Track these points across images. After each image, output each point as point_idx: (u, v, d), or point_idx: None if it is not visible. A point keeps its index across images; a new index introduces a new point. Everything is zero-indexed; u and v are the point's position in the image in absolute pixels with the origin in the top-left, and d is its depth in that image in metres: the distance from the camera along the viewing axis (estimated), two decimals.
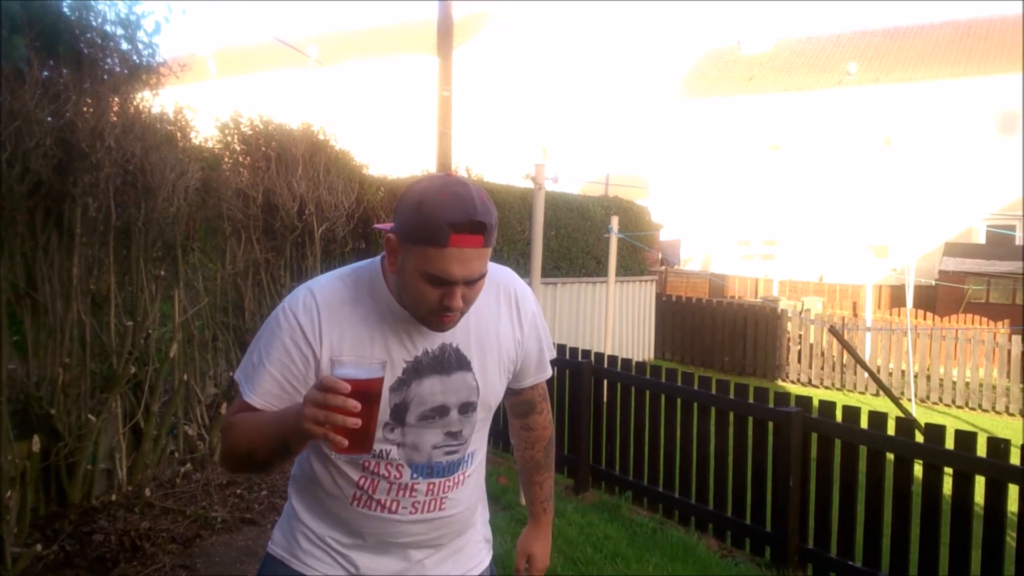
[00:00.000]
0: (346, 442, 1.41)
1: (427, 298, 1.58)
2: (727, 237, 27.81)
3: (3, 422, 3.96)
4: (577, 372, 6.44)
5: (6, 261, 4.13)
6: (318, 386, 1.42)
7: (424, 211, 1.54)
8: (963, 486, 4.31)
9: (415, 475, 1.77)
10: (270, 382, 1.68)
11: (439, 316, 1.61)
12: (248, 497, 5.14)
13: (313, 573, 1.82)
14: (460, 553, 1.94)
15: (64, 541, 4.21)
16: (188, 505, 4.84)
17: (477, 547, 2.00)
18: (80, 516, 4.46)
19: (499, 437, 7.09)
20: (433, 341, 1.74)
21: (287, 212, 6.31)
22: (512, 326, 1.87)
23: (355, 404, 1.39)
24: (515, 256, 10.33)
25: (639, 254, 14.09)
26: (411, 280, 1.59)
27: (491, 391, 1.84)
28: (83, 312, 4.53)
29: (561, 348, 6.80)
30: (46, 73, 4.27)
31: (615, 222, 8.21)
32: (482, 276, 1.61)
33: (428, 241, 1.53)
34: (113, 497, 4.72)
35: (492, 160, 16.17)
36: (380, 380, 1.50)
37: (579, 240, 12.25)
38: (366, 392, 1.45)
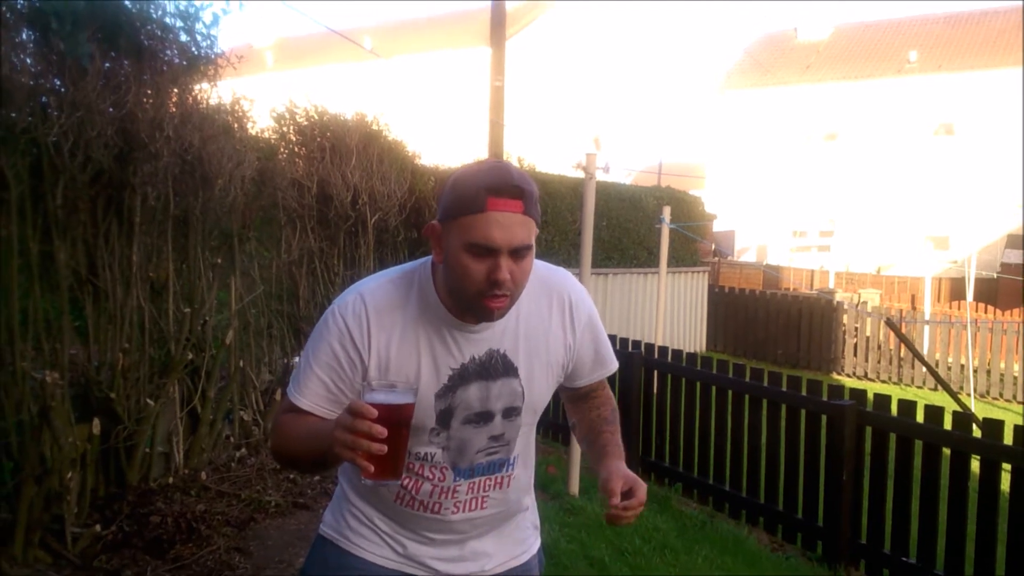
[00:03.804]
0: (372, 468, 1.41)
1: (473, 275, 1.56)
2: (782, 228, 27.47)
3: (64, 405, 4.06)
4: (627, 363, 6.42)
5: (68, 248, 4.23)
6: (347, 410, 1.42)
7: (461, 183, 1.56)
8: (1021, 482, 4.22)
9: (457, 478, 1.78)
10: (317, 384, 1.69)
11: (488, 298, 1.58)
12: (301, 482, 5.21)
13: (362, 553, 1.84)
14: (506, 532, 1.93)
15: (122, 522, 4.31)
16: (243, 489, 4.93)
17: (525, 532, 2.00)
18: (138, 498, 4.55)
19: (549, 427, 7.11)
20: (480, 347, 1.72)
21: (341, 202, 6.37)
22: (564, 331, 1.83)
23: (381, 430, 1.38)
24: (566, 247, 10.31)
25: (692, 245, 13.97)
26: (456, 258, 1.57)
27: (537, 396, 1.82)
28: (142, 299, 4.62)
29: (611, 339, 6.76)
30: (108, 65, 4.36)
31: (667, 212, 8.15)
32: (528, 248, 1.58)
33: (466, 210, 1.54)
34: (170, 480, 4.81)
35: (544, 150, 16.16)
36: (411, 406, 1.50)
37: (631, 231, 12.18)
38: (395, 418, 1.45)
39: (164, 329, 4.80)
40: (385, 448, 1.40)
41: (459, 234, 1.55)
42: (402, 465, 1.52)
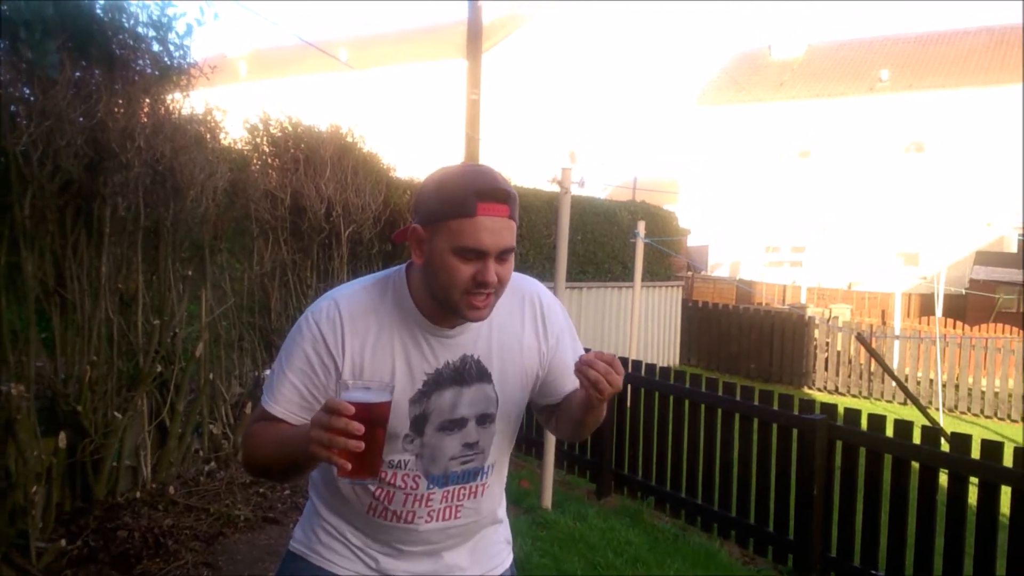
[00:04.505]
0: (349, 466, 1.40)
1: (460, 278, 1.57)
2: (755, 243, 27.66)
3: (30, 418, 4.01)
4: None
5: (36, 259, 4.18)
6: (323, 407, 1.41)
7: (448, 187, 1.57)
8: (989, 496, 4.26)
9: (431, 485, 1.77)
10: (290, 391, 1.68)
11: (473, 297, 1.59)
12: (271, 496, 5.17)
13: (333, 568, 1.82)
14: (479, 546, 1.93)
15: (88, 537, 4.25)
16: (211, 503, 4.88)
17: (498, 547, 1.99)
18: (105, 512, 4.50)
19: (522, 441, 7.09)
20: (454, 353, 1.73)
21: (314, 214, 6.34)
22: (537, 339, 1.84)
23: (358, 427, 1.38)
24: (541, 260, 10.32)
25: (666, 259, 14.04)
26: (442, 261, 1.58)
27: (511, 403, 1.82)
28: (111, 310, 4.58)
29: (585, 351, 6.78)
30: (78, 74, 4.32)
31: (642, 227, 8.18)
32: (512, 250, 1.61)
33: (456, 213, 1.54)
34: (137, 494, 4.76)
35: (519, 164, 16.19)
36: (387, 404, 1.50)
37: (605, 245, 12.22)
38: (371, 415, 1.44)
39: (133, 341, 4.75)
40: (362, 445, 1.39)
41: (447, 237, 1.56)
42: (379, 463, 1.52)
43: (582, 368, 1.59)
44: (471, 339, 1.74)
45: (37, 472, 4.00)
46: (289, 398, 1.68)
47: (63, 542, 4.08)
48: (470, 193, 1.54)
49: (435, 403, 1.72)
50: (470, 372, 1.74)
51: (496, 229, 1.56)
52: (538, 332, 1.84)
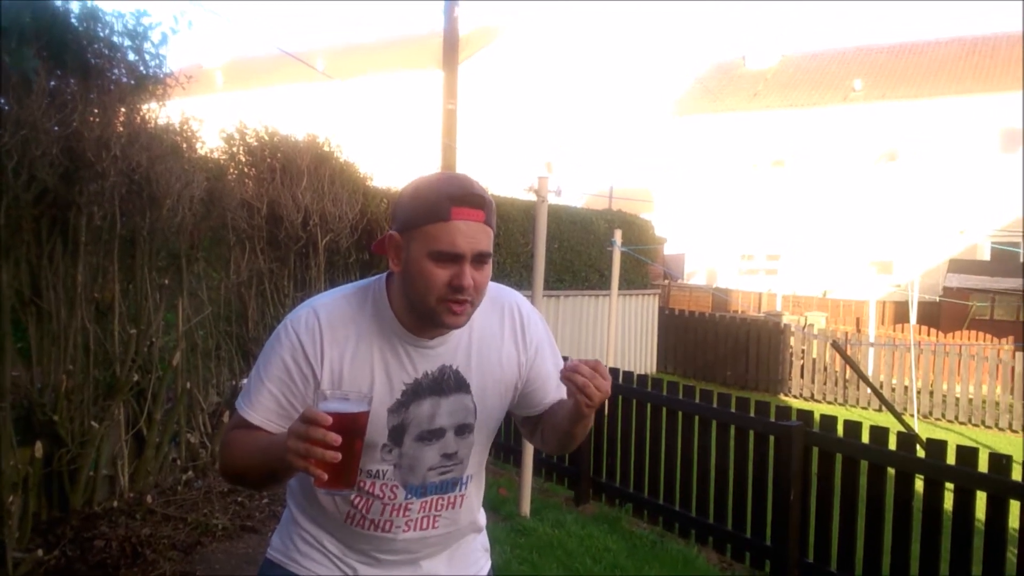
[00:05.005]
0: (326, 476, 1.40)
1: (436, 282, 1.57)
2: (731, 251, 27.80)
3: (6, 428, 3.98)
4: None
5: (11, 268, 4.16)
6: (301, 418, 1.41)
7: (422, 193, 1.59)
8: (964, 502, 4.31)
9: (409, 495, 1.77)
10: (268, 399, 1.67)
11: (450, 303, 1.58)
12: (249, 505, 5.14)
13: (310, 575, 1.82)
14: (458, 554, 1.93)
15: (65, 547, 4.22)
16: (189, 512, 4.85)
17: (476, 555, 1.99)
18: (82, 522, 4.46)
19: (500, 449, 7.10)
20: (433, 363, 1.72)
21: (291, 223, 6.32)
22: (516, 349, 1.84)
23: (335, 438, 1.37)
24: (518, 269, 10.34)
25: (642, 267, 14.09)
26: (418, 267, 1.58)
27: (489, 414, 1.82)
28: (87, 320, 4.55)
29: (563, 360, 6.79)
30: (53, 83, 4.30)
31: (618, 235, 8.21)
32: (489, 256, 1.61)
33: (431, 218, 1.56)
34: (115, 503, 4.72)
35: (496, 173, 16.21)
36: (365, 415, 1.49)
37: (582, 253, 12.25)
38: (349, 426, 1.44)
39: (109, 350, 4.73)
40: (339, 456, 1.39)
41: (423, 242, 1.57)
42: (355, 474, 1.51)
43: (568, 375, 1.58)
44: (450, 349, 1.74)
45: (13, 482, 3.97)
46: (267, 406, 1.68)
47: (40, 552, 4.05)
48: (444, 198, 1.55)
49: (413, 413, 1.72)
50: (448, 382, 1.74)
51: (471, 233, 1.57)
52: (517, 342, 1.84)
